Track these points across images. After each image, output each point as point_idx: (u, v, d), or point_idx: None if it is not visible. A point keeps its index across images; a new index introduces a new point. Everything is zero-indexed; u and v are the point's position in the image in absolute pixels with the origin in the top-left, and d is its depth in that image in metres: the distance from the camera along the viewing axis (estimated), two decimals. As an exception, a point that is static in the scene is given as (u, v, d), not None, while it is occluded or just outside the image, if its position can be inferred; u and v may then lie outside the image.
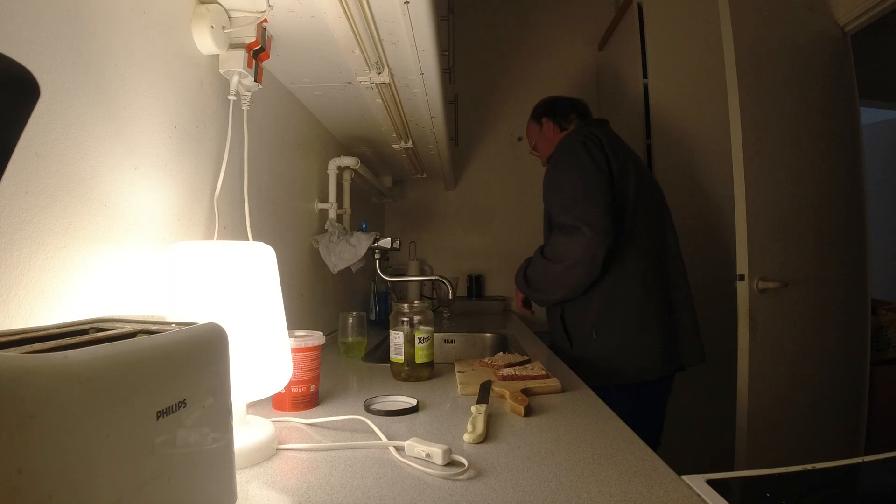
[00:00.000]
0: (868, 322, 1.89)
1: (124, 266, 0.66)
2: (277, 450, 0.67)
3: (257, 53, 0.91)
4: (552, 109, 1.68)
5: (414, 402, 0.86)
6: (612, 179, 1.38)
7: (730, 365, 1.57)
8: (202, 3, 0.84)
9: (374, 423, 0.75)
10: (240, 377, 0.58)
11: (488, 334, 1.81)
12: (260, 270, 0.67)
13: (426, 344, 1.06)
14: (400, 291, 2.42)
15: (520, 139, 2.77)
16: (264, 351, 0.66)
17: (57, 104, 0.55)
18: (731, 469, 1.13)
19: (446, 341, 1.79)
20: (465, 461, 0.61)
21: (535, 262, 1.44)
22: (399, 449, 0.65)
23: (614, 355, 1.37)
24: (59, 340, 0.36)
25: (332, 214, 1.55)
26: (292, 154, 1.34)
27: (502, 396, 0.89)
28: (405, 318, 1.08)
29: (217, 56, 0.89)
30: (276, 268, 0.71)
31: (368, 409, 0.83)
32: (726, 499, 0.50)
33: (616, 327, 1.37)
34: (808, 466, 0.60)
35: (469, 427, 0.71)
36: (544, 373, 1.02)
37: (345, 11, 0.89)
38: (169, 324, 0.44)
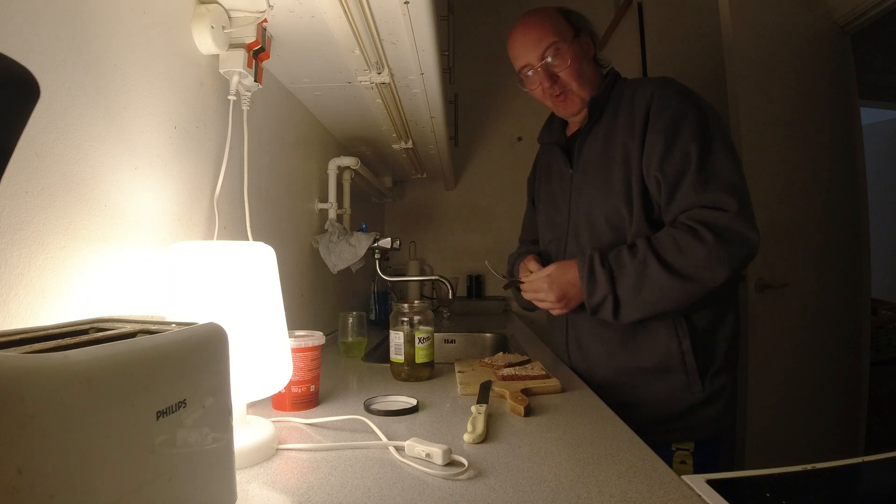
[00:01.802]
0: (868, 322, 1.89)
1: (124, 266, 0.66)
2: (277, 450, 0.67)
3: (257, 53, 0.91)
4: (590, 28, 1.11)
5: (414, 402, 0.86)
6: None
7: (730, 365, 1.57)
8: (202, 3, 0.84)
9: (374, 423, 0.75)
10: (240, 377, 0.58)
11: (488, 334, 1.81)
12: (260, 270, 0.67)
13: (426, 344, 1.06)
14: (400, 291, 2.42)
15: (520, 139, 2.77)
16: (264, 351, 0.66)
17: (57, 104, 0.55)
18: (732, 469, 1.13)
19: (446, 341, 1.79)
20: (465, 461, 0.61)
21: (646, 271, 0.90)
22: (399, 449, 0.65)
23: (736, 384, 1.03)
24: (59, 340, 0.36)
25: (332, 214, 1.55)
26: (292, 154, 1.34)
27: (502, 396, 0.89)
28: (405, 318, 1.08)
29: (217, 56, 0.89)
30: (276, 268, 0.71)
31: (368, 409, 0.83)
32: (726, 499, 0.50)
33: (738, 338, 1.04)
34: (808, 466, 0.60)
35: (469, 427, 0.71)
36: (544, 373, 1.02)
37: (345, 11, 0.89)
38: (169, 324, 0.44)
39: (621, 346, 1.02)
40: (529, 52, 1.06)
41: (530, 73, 1.08)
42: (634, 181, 0.98)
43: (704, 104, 0.97)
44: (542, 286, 1.03)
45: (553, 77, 1.05)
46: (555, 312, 1.06)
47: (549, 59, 1.04)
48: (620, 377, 1.01)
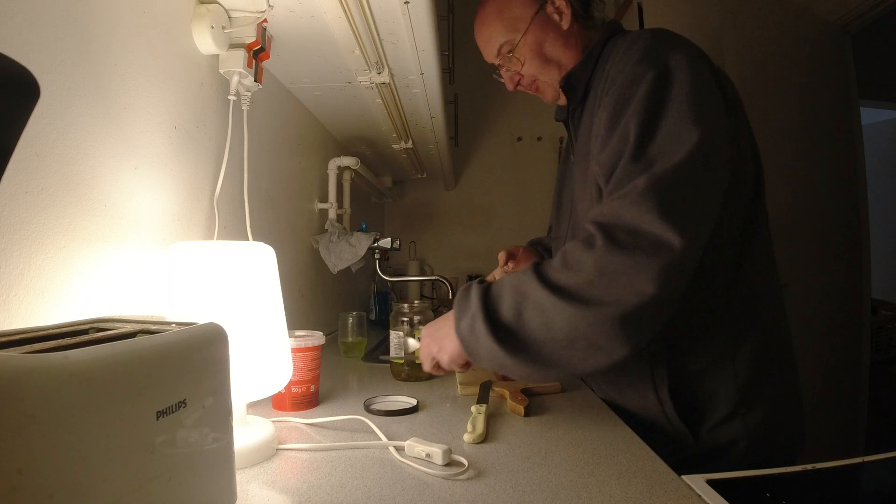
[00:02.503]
0: (868, 322, 1.89)
1: (124, 266, 0.66)
2: (277, 450, 0.67)
3: (257, 53, 0.91)
4: None
5: (414, 402, 0.86)
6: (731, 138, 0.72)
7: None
8: (202, 3, 0.84)
9: (374, 423, 0.75)
10: (240, 377, 0.58)
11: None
12: (260, 270, 0.67)
13: (426, 344, 1.06)
14: (400, 291, 2.42)
15: (520, 139, 2.77)
16: (264, 351, 0.66)
17: (57, 104, 0.55)
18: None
19: (446, 341, 1.79)
20: (465, 461, 0.61)
21: (524, 288, 0.66)
22: (399, 449, 0.65)
23: (770, 432, 0.77)
24: (59, 340, 0.36)
25: (332, 214, 1.55)
26: (292, 154, 1.34)
27: (502, 396, 0.89)
28: (405, 318, 1.08)
29: (217, 56, 0.89)
30: (276, 268, 0.71)
31: (368, 410, 0.83)
32: (726, 499, 0.50)
33: (776, 381, 0.80)
34: (808, 466, 0.60)
35: (469, 427, 0.71)
36: (544, 373, 1.02)
37: (345, 11, 0.89)
38: (169, 324, 0.44)
39: (604, 378, 0.87)
40: (486, 53, 0.94)
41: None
42: (591, 174, 0.76)
43: (677, 56, 0.70)
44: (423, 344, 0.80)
45: (515, 76, 0.92)
46: (444, 367, 0.77)
47: (504, 61, 0.92)
48: (613, 408, 0.85)
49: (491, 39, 0.91)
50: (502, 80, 0.97)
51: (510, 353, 0.65)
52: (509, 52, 0.89)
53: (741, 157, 0.75)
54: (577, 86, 0.87)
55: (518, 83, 0.93)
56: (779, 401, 0.79)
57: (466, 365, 0.76)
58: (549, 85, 0.92)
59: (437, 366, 0.78)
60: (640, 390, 0.79)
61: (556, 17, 0.88)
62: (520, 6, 0.88)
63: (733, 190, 0.72)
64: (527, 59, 0.89)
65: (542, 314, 0.64)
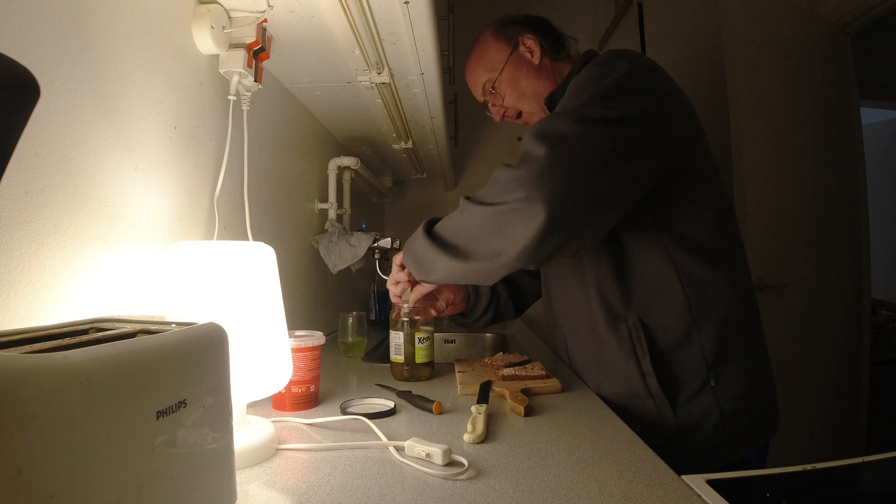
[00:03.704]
0: (868, 322, 1.89)
1: (124, 266, 0.66)
2: (277, 450, 0.67)
3: (257, 53, 0.91)
4: (538, 25, 1.05)
5: (391, 404, 0.85)
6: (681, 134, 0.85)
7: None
8: (202, 3, 0.84)
9: (374, 422, 0.75)
10: (240, 377, 0.58)
11: (488, 334, 1.81)
12: (260, 270, 0.67)
13: (426, 344, 1.06)
14: (400, 291, 2.42)
15: (519, 139, 2.77)
16: (264, 351, 0.66)
17: (57, 104, 0.55)
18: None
19: (446, 341, 1.79)
20: (465, 461, 0.61)
21: (456, 211, 0.84)
22: (399, 449, 0.65)
23: (742, 408, 0.86)
24: (60, 340, 0.36)
25: (332, 214, 1.55)
26: (292, 154, 1.34)
27: (502, 396, 0.89)
28: (405, 318, 1.07)
29: (217, 56, 0.89)
30: (276, 268, 0.71)
31: (345, 412, 0.81)
32: (726, 499, 0.50)
33: (744, 360, 0.88)
34: (808, 466, 0.60)
35: (469, 427, 0.71)
36: (544, 373, 1.02)
37: (345, 11, 0.89)
38: (169, 324, 0.44)
39: (598, 370, 0.95)
40: (475, 92, 1.11)
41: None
42: None
43: (621, 61, 0.83)
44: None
45: (501, 108, 1.07)
46: (399, 287, 1.00)
47: (489, 97, 1.07)
48: (604, 399, 0.92)
49: (477, 80, 1.08)
50: (492, 102, 1.10)
51: (431, 242, 0.83)
52: (492, 88, 1.05)
53: (680, 148, 0.85)
54: (558, 102, 0.97)
55: (504, 115, 1.08)
56: (749, 379, 0.88)
57: (407, 276, 0.98)
58: (531, 115, 1.05)
59: (396, 282, 1.00)
60: (624, 366, 0.88)
61: (527, 54, 1.03)
62: (496, 51, 1.04)
63: (678, 179, 0.85)
64: (506, 92, 1.04)
65: (460, 215, 0.81)
